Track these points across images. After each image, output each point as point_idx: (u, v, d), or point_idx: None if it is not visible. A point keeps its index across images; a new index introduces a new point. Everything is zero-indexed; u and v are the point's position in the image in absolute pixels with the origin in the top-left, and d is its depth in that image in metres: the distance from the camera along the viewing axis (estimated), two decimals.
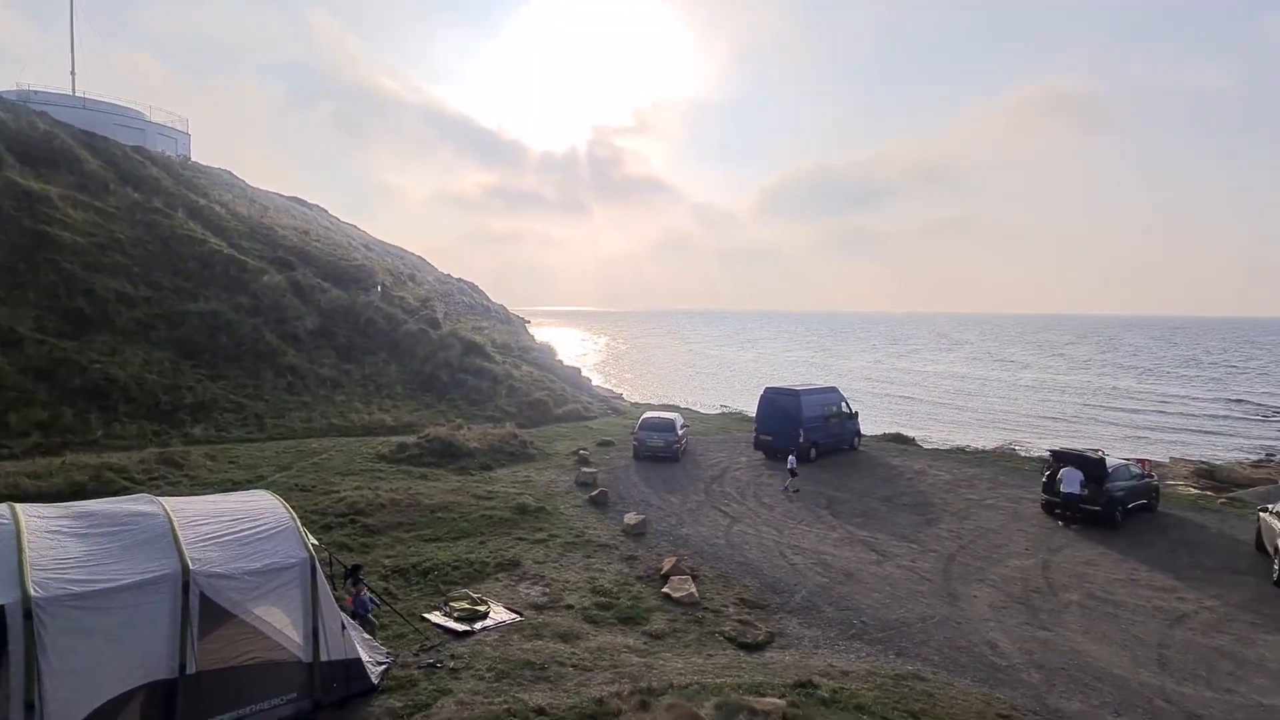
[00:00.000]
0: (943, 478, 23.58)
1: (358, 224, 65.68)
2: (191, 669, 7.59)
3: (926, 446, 31.55)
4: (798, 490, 21.13)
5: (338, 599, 9.71)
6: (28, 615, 6.80)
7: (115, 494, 14.10)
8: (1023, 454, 31.30)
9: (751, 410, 32.85)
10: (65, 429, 21.02)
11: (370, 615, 10.76)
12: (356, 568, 11.36)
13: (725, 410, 44.32)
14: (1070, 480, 18.64)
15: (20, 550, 7.30)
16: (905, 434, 33.95)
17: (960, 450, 30.71)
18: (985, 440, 38.29)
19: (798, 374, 73.33)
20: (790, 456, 22.13)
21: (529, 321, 62.53)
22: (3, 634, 6.71)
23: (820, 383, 32.86)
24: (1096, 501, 18.34)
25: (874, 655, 11.60)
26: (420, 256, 66.95)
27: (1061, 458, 19.72)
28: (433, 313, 40.38)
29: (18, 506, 8.10)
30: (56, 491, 15.58)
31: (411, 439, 23.70)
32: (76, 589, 7.19)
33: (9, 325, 23.61)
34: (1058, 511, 18.95)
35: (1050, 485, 19.32)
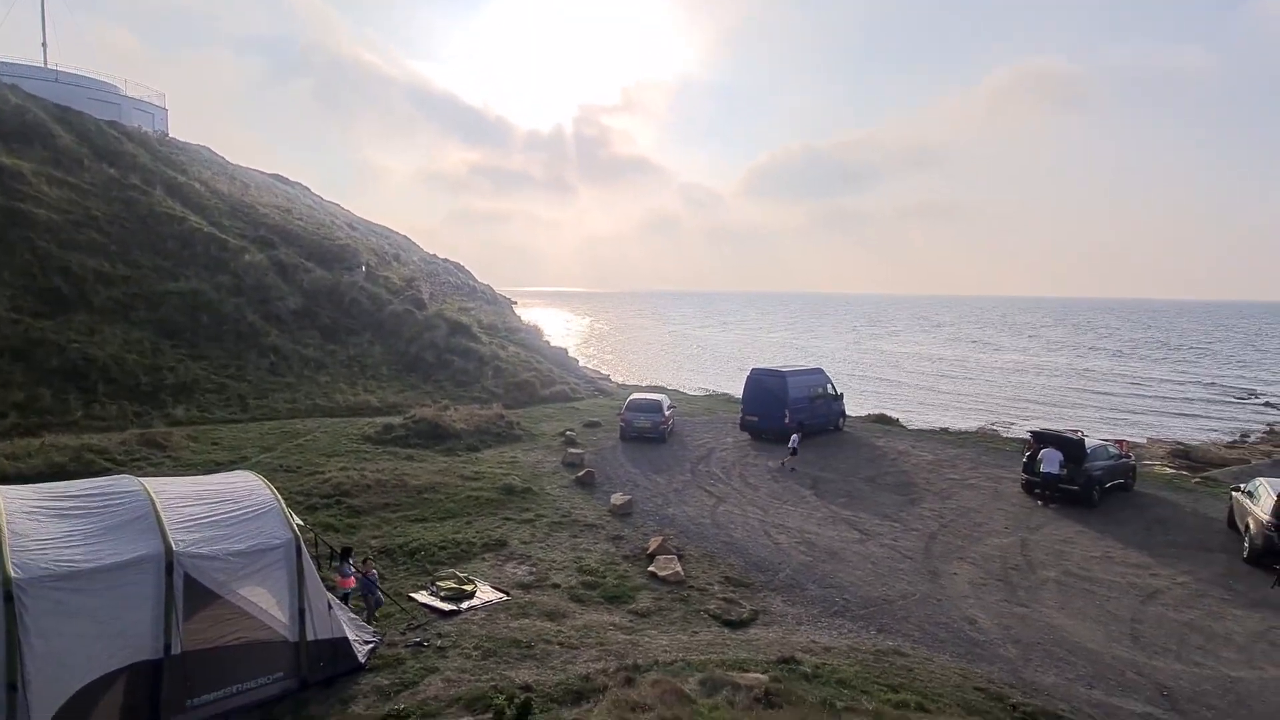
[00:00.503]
0: (925, 458, 23.86)
1: (341, 202, 64.89)
2: (177, 649, 7.59)
3: (910, 427, 31.88)
4: (794, 470, 21.42)
5: (324, 579, 9.71)
6: (8, 597, 6.75)
7: (96, 475, 13.94)
8: (1004, 435, 31.73)
9: (736, 392, 33.02)
10: (43, 410, 20.74)
11: (379, 594, 10.77)
12: (347, 550, 11.35)
13: (710, 392, 44.49)
14: (1050, 460, 18.94)
15: None
16: (889, 415, 34.28)
17: (943, 431, 31.07)
18: (966, 422, 38.74)
19: (780, 355, 73.67)
20: (794, 435, 22.38)
21: (515, 302, 62.25)
22: None
23: (804, 364, 33.07)
24: (1075, 481, 18.64)
25: (856, 632, 11.79)
26: (405, 236, 66.32)
27: (1041, 438, 20.00)
28: (418, 293, 40.07)
29: None
30: (36, 473, 15.40)
31: (397, 420, 23.62)
32: (58, 569, 7.15)
33: None
34: (1037, 491, 19.26)
35: (1030, 465, 19.61)
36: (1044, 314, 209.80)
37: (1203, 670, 10.87)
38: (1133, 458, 21.75)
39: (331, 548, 12.29)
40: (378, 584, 10.94)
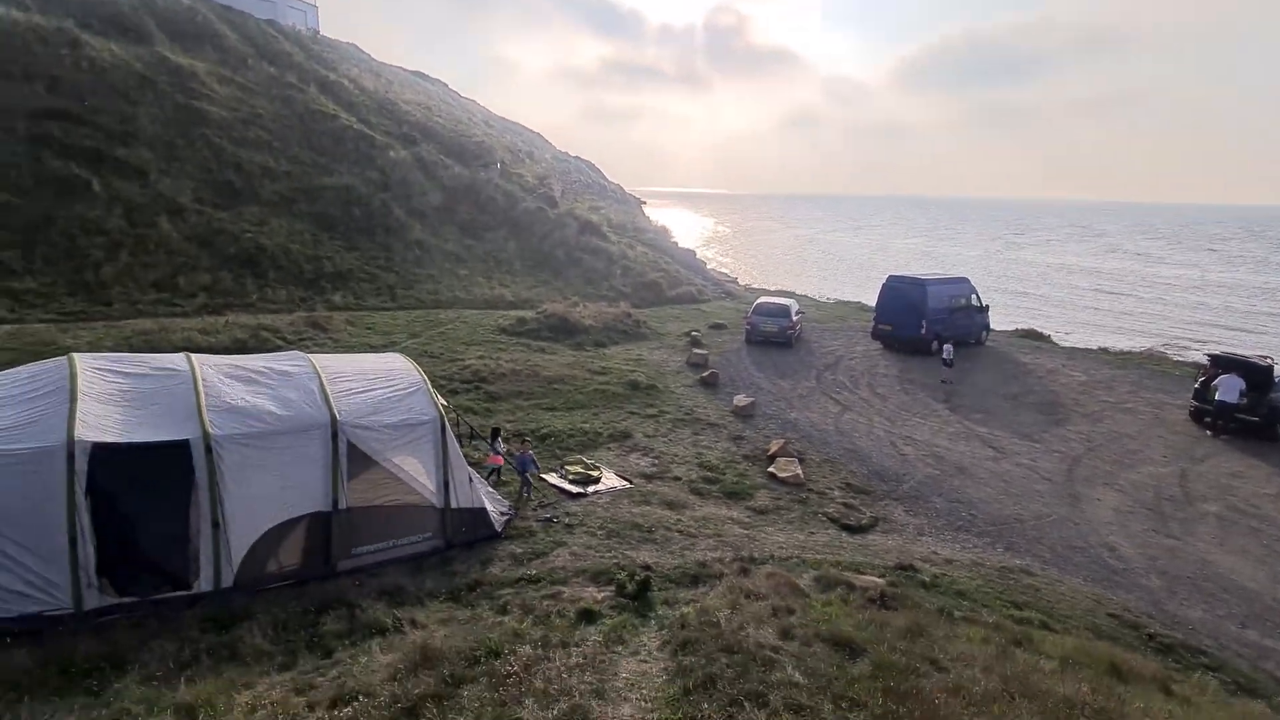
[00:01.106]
0: (1077, 378, 22.14)
1: (477, 99, 65.91)
2: (343, 505, 8.59)
3: (1063, 345, 29.53)
4: (950, 382, 20.61)
5: (468, 458, 10.52)
6: (208, 450, 7.83)
7: (271, 350, 15.63)
8: (1173, 358, 28.68)
9: (868, 300, 31.66)
10: (225, 291, 23.21)
11: (530, 475, 11.60)
12: (496, 430, 12.35)
13: (840, 300, 42.92)
14: (1228, 388, 17.02)
15: (197, 394, 8.31)
16: (1039, 331, 31.82)
17: (1101, 351, 28.52)
18: (1130, 342, 35.24)
19: (914, 263, 69.27)
20: (946, 346, 21.37)
21: (645, 202, 61.88)
22: (190, 464, 7.79)
23: (943, 272, 31.02)
24: (1257, 411, 16.74)
25: (981, 547, 11.48)
26: (537, 133, 66.83)
27: (1221, 363, 17.97)
28: (550, 191, 40.66)
29: (193, 357, 9.15)
30: (223, 346, 17.39)
31: (530, 314, 24.59)
32: (246, 429, 8.18)
33: (173, 196, 25.81)
34: (1208, 420, 17.48)
35: (1203, 392, 17.74)
36: (1237, 225, 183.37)
37: None
38: None
39: (472, 427, 13.25)
40: (534, 462, 11.78)
